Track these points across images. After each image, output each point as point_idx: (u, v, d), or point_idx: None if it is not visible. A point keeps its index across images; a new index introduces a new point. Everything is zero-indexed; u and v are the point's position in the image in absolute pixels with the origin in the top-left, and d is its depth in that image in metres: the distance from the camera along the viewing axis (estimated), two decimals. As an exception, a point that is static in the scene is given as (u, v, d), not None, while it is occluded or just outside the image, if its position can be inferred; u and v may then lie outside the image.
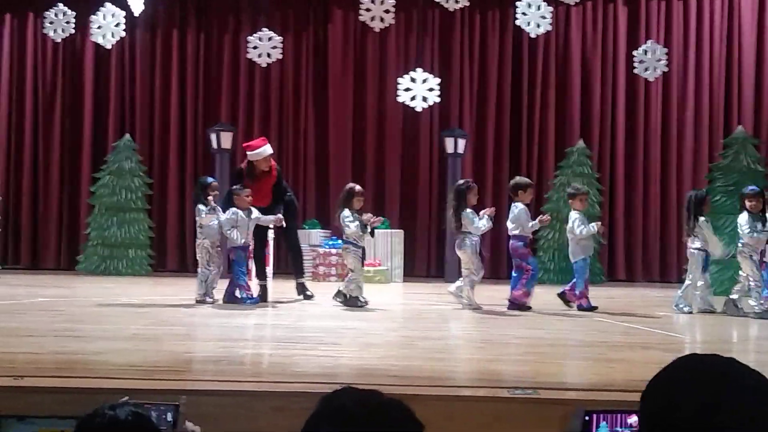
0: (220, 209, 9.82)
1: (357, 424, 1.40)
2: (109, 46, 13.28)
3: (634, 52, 13.21)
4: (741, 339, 7.60)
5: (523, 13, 12.36)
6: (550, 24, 12.43)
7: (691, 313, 9.44)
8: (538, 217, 9.99)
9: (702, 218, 9.69)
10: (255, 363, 5.85)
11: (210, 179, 10.24)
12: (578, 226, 9.60)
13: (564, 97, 15.30)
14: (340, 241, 13.95)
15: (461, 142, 14.13)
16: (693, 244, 9.74)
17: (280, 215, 10.05)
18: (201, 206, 9.74)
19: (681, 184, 15.14)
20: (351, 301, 9.52)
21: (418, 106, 13.04)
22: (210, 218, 9.70)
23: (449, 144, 14.14)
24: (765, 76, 15.29)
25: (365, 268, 13.37)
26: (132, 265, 14.31)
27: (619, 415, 2.90)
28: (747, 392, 1.45)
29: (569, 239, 9.82)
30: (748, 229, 9.32)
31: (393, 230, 14.23)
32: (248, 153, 10.29)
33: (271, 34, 13.33)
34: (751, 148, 13.36)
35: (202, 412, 3.94)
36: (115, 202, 14.37)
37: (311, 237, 14.10)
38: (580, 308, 9.50)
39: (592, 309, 9.44)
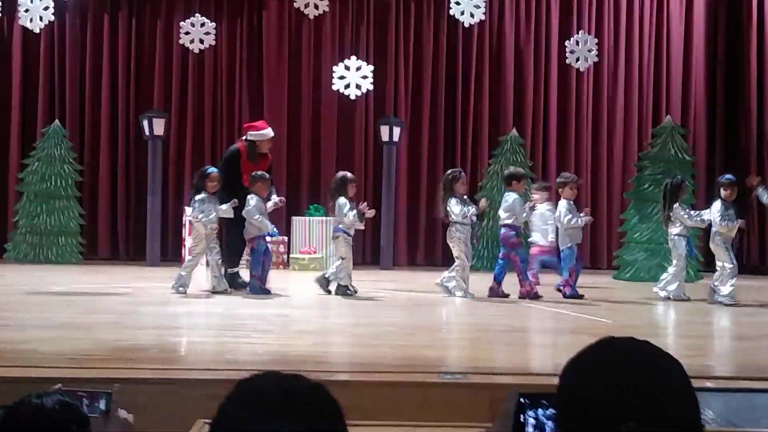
0: (216, 200, 9.50)
1: (272, 407, 1.40)
2: (37, 30, 13.02)
3: (566, 42, 13.42)
4: (667, 324, 7.80)
5: (457, 2, 12.47)
6: (484, 14, 12.56)
7: (689, 300, 9.55)
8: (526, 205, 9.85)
9: (677, 204, 9.76)
10: (187, 351, 5.82)
11: (211, 169, 9.82)
12: (565, 215, 9.70)
13: (498, 86, 15.45)
14: (275, 229, 13.94)
15: (396, 130, 14.18)
16: (673, 231, 9.84)
17: (235, 199, 9.59)
18: (199, 196, 9.40)
19: (611, 172, 15.47)
20: (340, 290, 9.39)
21: (353, 93, 13.05)
22: (199, 215, 9.34)
23: (384, 132, 14.18)
24: (693, 67, 15.66)
25: (300, 255, 13.45)
26: (62, 254, 14.07)
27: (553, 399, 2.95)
28: (657, 374, 1.50)
29: (558, 227, 9.93)
30: (721, 218, 9.40)
31: (329, 218, 14.21)
32: (251, 134, 10.14)
33: (204, 20, 13.21)
34: (679, 137, 13.66)
35: (135, 400, 3.92)
36: (45, 189, 14.10)
37: (246, 225, 14.01)
38: (565, 296, 9.55)
39: (578, 297, 9.48)
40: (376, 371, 4.68)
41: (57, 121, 14.54)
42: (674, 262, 9.92)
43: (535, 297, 9.34)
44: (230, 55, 15.22)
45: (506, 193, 9.83)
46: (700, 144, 15.49)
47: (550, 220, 10.74)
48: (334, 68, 13.11)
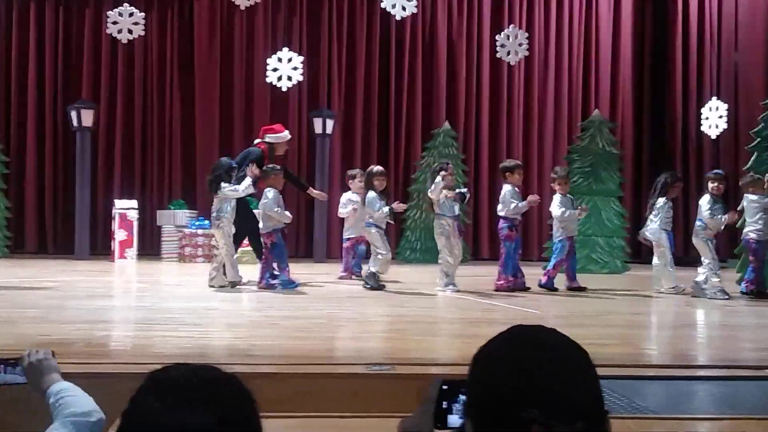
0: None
1: (183, 398, 1.40)
2: (-40, 19, 12.66)
3: (497, 37, 13.55)
4: (592, 314, 7.94)
5: (389, -6, 12.46)
6: (416, 7, 12.58)
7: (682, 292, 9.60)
8: (528, 198, 9.85)
9: (662, 200, 9.81)
10: (114, 345, 5.75)
11: (233, 162, 9.71)
12: (559, 209, 9.82)
13: (430, 79, 15.55)
14: (207, 222, 13.83)
15: (329, 123, 14.17)
16: (653, 225, 9.86)
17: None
18: (225, 184, 9.21)
19: (542, 164, 15.69)
20: (371, 280, 9.38)
21: (284, 85, 13.00)
22: (234, 194, 9.20)
23: (317, 124, 14.15)
24: (621, 62, 15.96)
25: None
26: (-13, 247, 13.77)
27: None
28: (560, 362, 1.53)
29: (553, 220, 10.03)
30: (709, 212, 9.44)
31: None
32: (269, 136, 10.20)
33: (133, 9, 12.99)
34: (607, 131, 13.91)
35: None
36: (-31, 181, 13.77)
37: (177, 218, 13.88)
38: (540, 284, 9.66)
39: (553, 289, 9.60)
40: (303, 363, 4.69)
41: (-19, 112, 14.20)
42: (655, 258, 9.95)
43: (519, 289, 9.43)
44: (161, 46, 15.04)
45: (503, 186, 9.86)
46: (628, 138, 15.81)
47: None
48: (268, 60, 13.03)
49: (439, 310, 7.95)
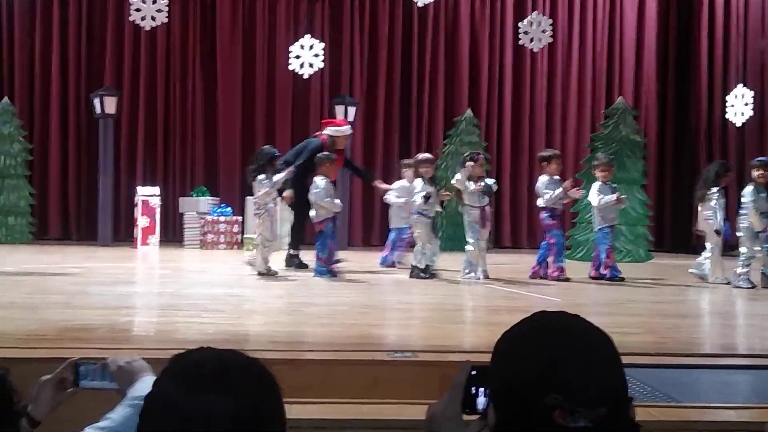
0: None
1: (205, 381, 1.39)
2: (-15, 7, 12.74)
3: (519, 23, 13.47)
4: (613, 302, 7.90)
5: (412, -19, 12.43)
6: (438, -7, 12.55)
7: (727, 283, 9.35)
8: (563, 185, 9.66)
9: (714, 189, 9.56)
10: (137, 330, 5.78)
11: (276, 151, 9.66)
12: (597, 196, 9.71)
13: (453, 66, 15.49)
14: (229, 209, 13.90)
15: (351, 110, 14.14)
16: (706, 213, 9.62)
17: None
18: (261, 177, 9.11)
19: (565, 152, 15.52)
20: (415, 272, 9.30)
21: (305, 72, 13.00)
22: (270, 192, 9.12)
23: (339, 111, 14.14)
24: (645, 49, 15.82)
25: (255, 236, 13.34)
26: (12, 233, 13.87)
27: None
28: (584, 348, 1.52)
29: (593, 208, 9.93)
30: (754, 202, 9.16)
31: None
32: (330, 128, 10.30)
33: (156, -4, 12.99)
34: (630, 119, 13.80)
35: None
36: (-6, 168, 13.88)
37: (199, 205, 13.93)
38: (604, 278, 9.53)
39: (620, 279, 9.48)
40: (326, 350, 4.69)
41: (6, 98, 14.29)
42: (708, 246, 9.68)
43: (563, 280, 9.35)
44: (183, 34, 15.07)
45: None
46: (651, 126, 15.69)
47: None
48: (291, 48, 13.02)
49: (459, 298, 7.93)
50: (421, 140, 15.36)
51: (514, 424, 1.51)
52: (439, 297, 7.85)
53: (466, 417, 1.93)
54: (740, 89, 14.05)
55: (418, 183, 9.51)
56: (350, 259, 10.42)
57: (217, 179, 14.88)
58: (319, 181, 9.26)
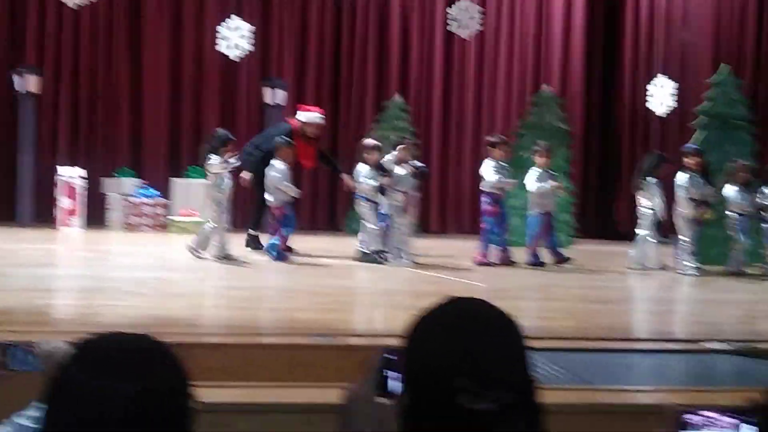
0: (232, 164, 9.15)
1: (110, 366, 1.38)
2: None
3: (448, 10, 13.51)
4: (534, 287, 8.03)
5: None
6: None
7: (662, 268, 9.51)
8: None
9: (652, 179, 9.71)
10: (54, 314, 5.68)
11: (230, 134, 9.50)
12: (534, 182, 9.77)
13: (382, 50, 15.48)
14: (152, 191, 13.69)
15: (280, 93, 14.05)
16: (643, 202, 9.79)
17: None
18: (213, 156, 8.97)
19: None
20: (369, 257, 9.14)
21: (233, 54, 12.87)
22: (222, 167, 8.95)
23: (268, 94, 14.04)
24: (573, 38, 16.03)
25: (180, 218, 13.18)
26: (-73, 214, 13.45)
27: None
28: (490, 333, 1.56)
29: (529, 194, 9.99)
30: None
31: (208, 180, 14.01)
32: (300, 114, 10.33)
33: (81, -27, 12.71)
34: (556, 107, 14.00)
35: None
36: None
37: (123, 186, 13.69)
38: (527, 263, 9.62)
39: (540, 264, 9.59)
40: (246, 333, 4.68)
41: None
42: (641, 233, 9.82)
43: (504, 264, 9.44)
44: (108, 11, 14.73)
45: None
46: (577, 113, 15.90)
47: None
48: (219, 29, 12.86)
49: (384, 282, 7.96)
50: (349, 124, 15.33)
51: (424, 406, 1.54)
52: (362, 282, 7.88)
53: (380, 400, 1.96)
54: (661, 79, 14.34)
55: (363, 168, 9.52)
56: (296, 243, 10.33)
57: (141, 161, 14.64)
58: (278, 165, 9.22)
